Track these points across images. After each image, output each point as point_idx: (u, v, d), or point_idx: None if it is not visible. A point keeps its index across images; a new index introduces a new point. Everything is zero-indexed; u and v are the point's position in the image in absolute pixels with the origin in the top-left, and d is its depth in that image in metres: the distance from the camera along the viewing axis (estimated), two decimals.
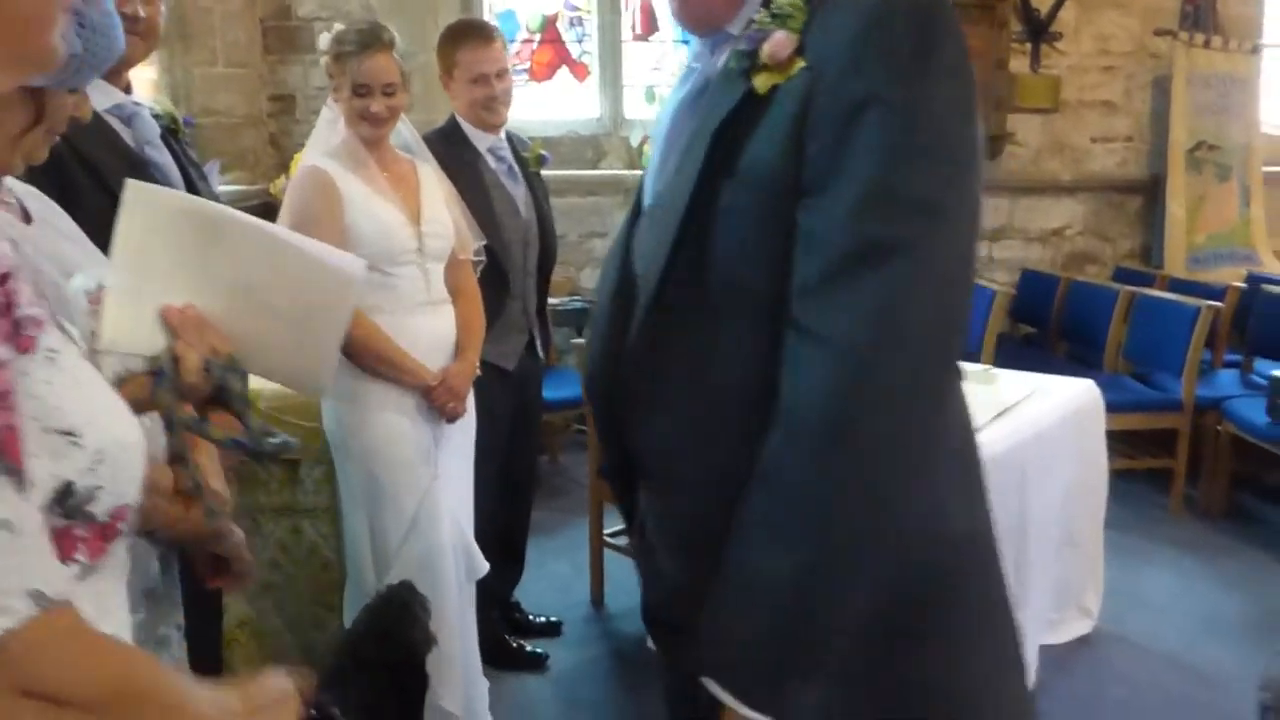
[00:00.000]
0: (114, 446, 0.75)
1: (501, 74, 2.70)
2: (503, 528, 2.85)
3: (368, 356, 2.17)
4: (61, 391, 0.72)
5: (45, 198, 1.09)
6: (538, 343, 2.91)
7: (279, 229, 1.03)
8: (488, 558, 2.52)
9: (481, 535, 2.48)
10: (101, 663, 0.74)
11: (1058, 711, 2.66)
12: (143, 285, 0.92)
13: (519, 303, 2.78)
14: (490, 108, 2.70)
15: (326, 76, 2.27)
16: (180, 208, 0.95)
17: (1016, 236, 5.45)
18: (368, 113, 2.20)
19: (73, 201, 1.16)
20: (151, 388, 0.93)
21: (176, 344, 0.94)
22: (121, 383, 0.90)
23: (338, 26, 2.27)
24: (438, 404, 2.26)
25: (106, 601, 0.84)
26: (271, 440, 1.00)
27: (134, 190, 0.92)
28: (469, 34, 2.74)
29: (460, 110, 2.74)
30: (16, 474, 0.67)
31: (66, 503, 0.74)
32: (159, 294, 0.93)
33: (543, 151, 3.02)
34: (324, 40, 2.26)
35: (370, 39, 2.19)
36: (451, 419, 2.31)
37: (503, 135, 2.79)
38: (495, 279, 2.66)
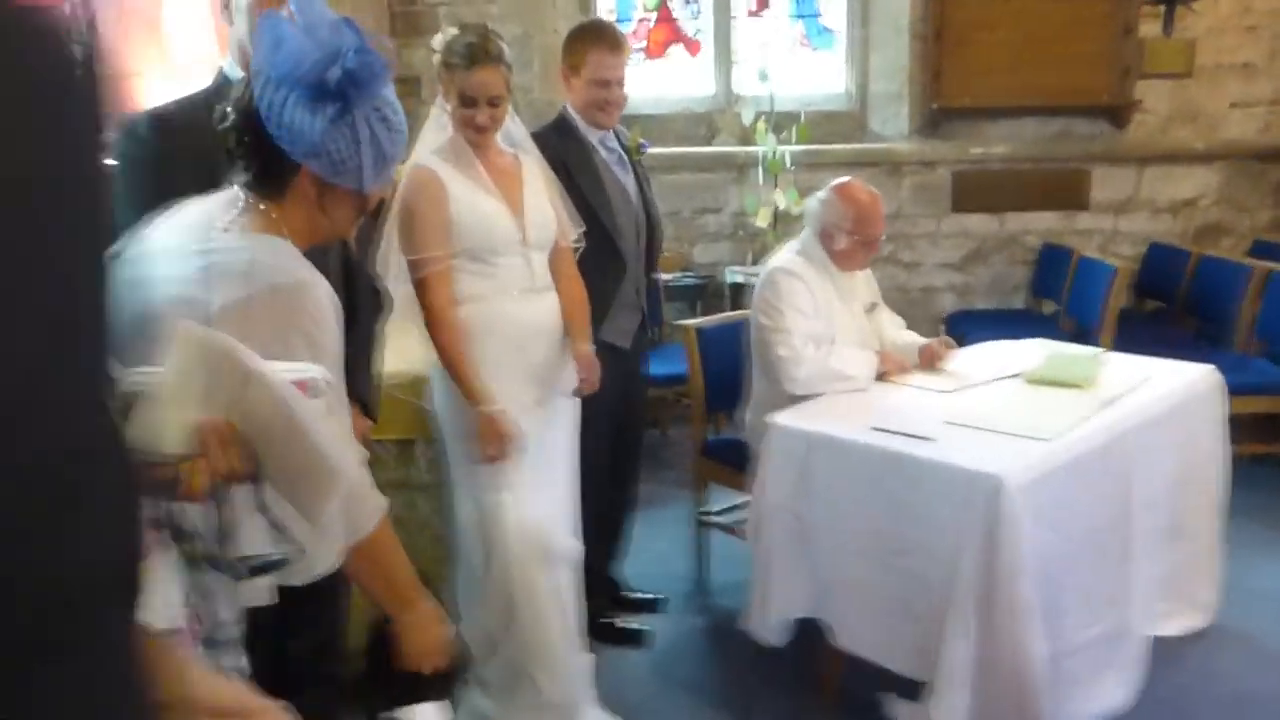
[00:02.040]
0: None
1: (621, 82, 2.80)
2: (607, 504, 2.98)
3: (443, 363, 2.33)
4: None
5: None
6: (648, 322, 3.02)
7: (298, 404, 1.08)
8: (591, 534, 2.65)
9: (586, 512, 2.61)
10: None
11: (1161, 706, 2.62)
12: (182, 399, 1.03)
13: (632, 284, 2.89)
14: (605, 110, 2.80)
15: (437, 76, 2.39)
16: (223, 350, 1.04)
17: (1144, 208, 5.23)
18: (473, 123, 2.33)
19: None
20: (165, 489, 1.03)
21: (196, 461, 1.03)
22: (154, 463, 1.01)
23: (451, 31, 2.36)
24: (585, 389, 2.50)
25: None
26: (245, 563, 1.08)
27: (185, 329, 1.05)
28: (603, 37, 2.81)
29: (575, 105, 2.84)
30: None
31: None
32: (195, 409, 1.03)
33: (641, 140, 3.10)
34: (436, 42, 2.37)
35: (477, 53, 2.29)
36: (590, 391, 2.50)
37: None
38: (612, 262, 2.80)
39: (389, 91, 1.41)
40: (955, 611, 2.24)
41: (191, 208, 1.47)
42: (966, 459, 2.28)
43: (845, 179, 3.01)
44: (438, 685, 1.58)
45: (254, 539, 1.29)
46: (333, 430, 1.16)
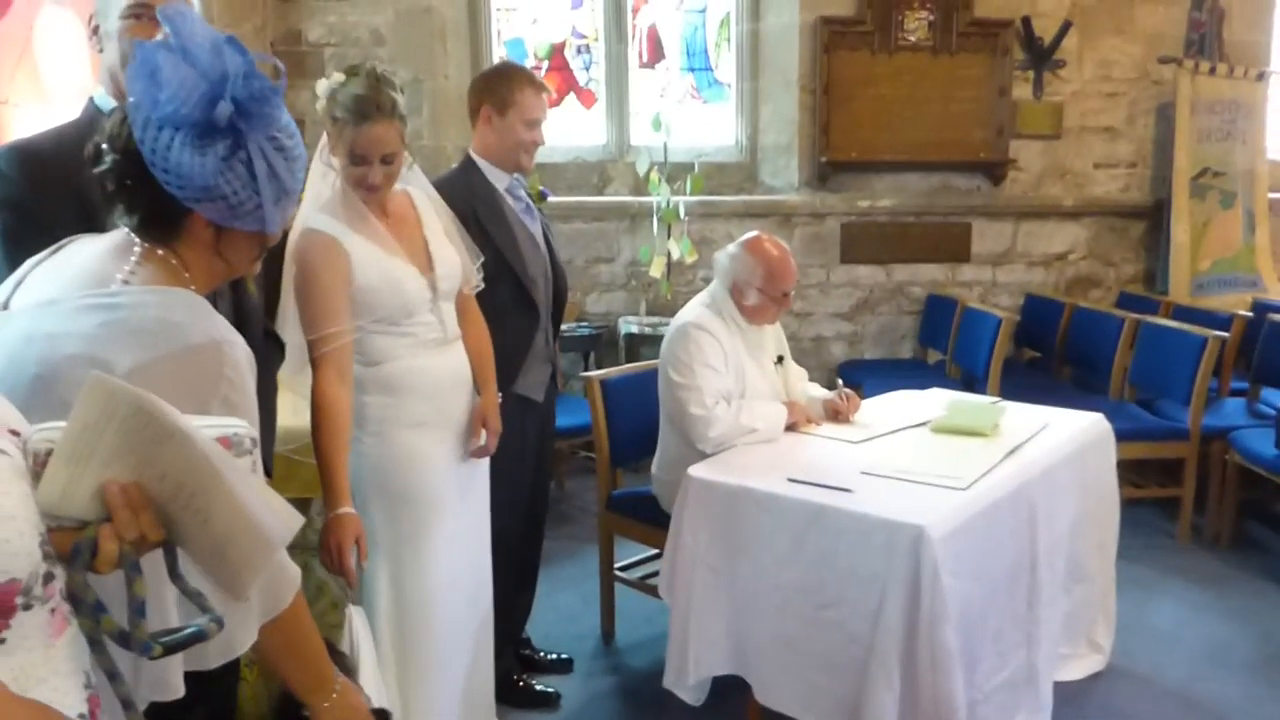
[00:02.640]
0: None
1: (542, 123, 2.72)
2: (519, 561, 2.86)
3: (314, 446, 2.07)
4: None
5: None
6: (557, 373, 2.93)
7: (224, 463, 0.96)
8: (503, 590, 2.51)
9: (500, 568, 2.49)
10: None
11: None
12: (89, 457, 0.91)
13: (543, 335, 2.79)
14: (530, 152, 2.71)
15: (322, 125, 2.13)
16: (136, 403, 0.92)
17: (1019, 261, 5.47)
18: (365, 182, 2.09)
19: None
20: (69, 558, 0.91)
21: (102, 528, 0.92)
22: (51, 529, 0.90)
23: (337, 76, 2.10)
24: (485, 450, 2.30)
25: (29, 675, 0.86)
26: (158, 639, 0.96)
27: (94, 379, 0.92)
28: (530, 78, 2.71)
29: (490, 147, 2.69)
30: None
31: None
32: (103, 468, 0.92)
33: (541, 187, 3.04)
34: (321, 88, 2.11)
35: (368, 108, 2.03)
36: (489, 454, 2.33)
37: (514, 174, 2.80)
38: (527, 313, 2.69)
39: (282, 115, 1.25)
40: (879, 662, 2.21)
41: (76, 252, 1.30)
42: (887, 509, 2.27)
43: (754, 234, 2.99)
44: None
45: (167, 613, 1.14)
46: (262, 492, 1.02)
